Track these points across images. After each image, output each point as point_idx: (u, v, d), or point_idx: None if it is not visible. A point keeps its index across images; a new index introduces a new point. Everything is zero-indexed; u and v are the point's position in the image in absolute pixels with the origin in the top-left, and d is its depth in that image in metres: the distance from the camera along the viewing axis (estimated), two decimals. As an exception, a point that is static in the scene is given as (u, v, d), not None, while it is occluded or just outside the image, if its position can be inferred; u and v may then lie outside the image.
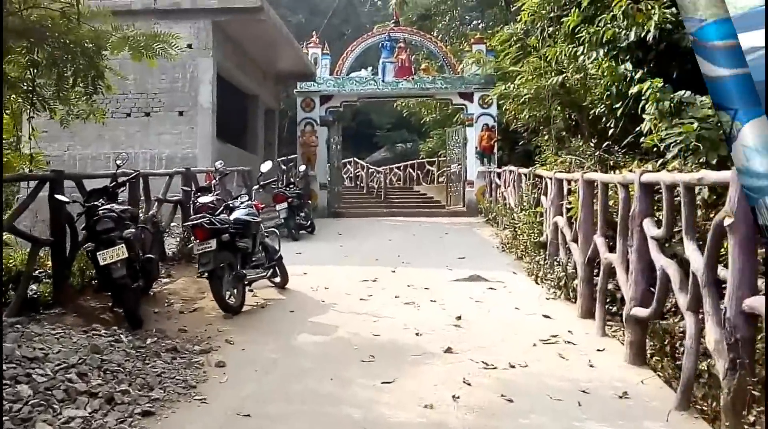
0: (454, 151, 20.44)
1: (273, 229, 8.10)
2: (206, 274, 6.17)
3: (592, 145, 9.86)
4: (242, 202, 7.35)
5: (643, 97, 6.14)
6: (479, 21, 23.90)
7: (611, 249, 5.62)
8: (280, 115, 25.27)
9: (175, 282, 7.76)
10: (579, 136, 10.86)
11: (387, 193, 22.47)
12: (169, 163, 12.86)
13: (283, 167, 21.07)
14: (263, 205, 8.38)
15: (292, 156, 20.27)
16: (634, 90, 6.24)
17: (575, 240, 6.83)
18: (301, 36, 21.22)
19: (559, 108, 10.40)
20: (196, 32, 13.28)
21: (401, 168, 26.66)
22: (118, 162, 6.91)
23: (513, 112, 13.87)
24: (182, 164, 12.81)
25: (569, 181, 7.36)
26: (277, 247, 7.59)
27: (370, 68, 20.48)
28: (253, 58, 16.02)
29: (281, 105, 22.99)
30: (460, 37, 23.63)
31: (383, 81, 19.60)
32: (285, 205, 12.55)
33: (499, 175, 15.83)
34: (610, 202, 6.03)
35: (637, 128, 6.52)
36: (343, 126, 38.19)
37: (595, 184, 6.21)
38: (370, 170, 23.98)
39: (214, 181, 9.68)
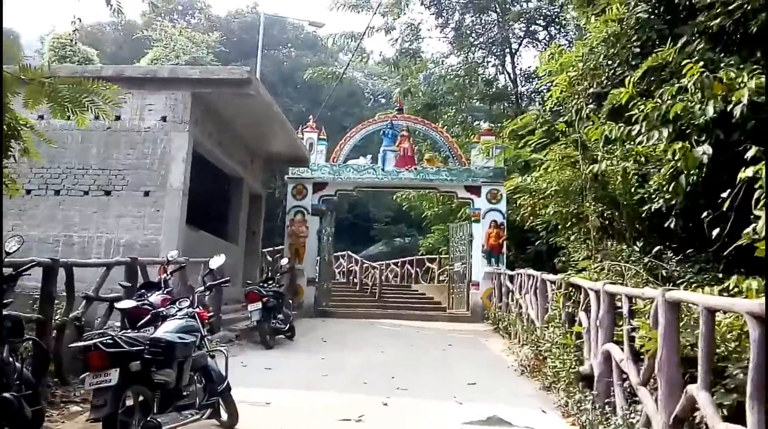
0: (458, 248, 18.57)
1: (220, 348, 5.93)
2: (101, 420, 4.07)
3: (636, 248, 7.98)
4: (180, 309, 5.35)
5: (759, 185, 4.28)
6: (487, 113, 22.68)
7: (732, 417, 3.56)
8: (272, 203, 23.66)
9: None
10: (614, 238, 9.00)
11: (382, 292, 20.38)
12: (128, 251, 10.90)
13: (269, 259, 19.18)
14: (210, 314, 6.34)
15: (280, 247, 18.39)
16: (745, 174, 4.37)
17: (645, 383, 4.78)
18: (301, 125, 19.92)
19: (593, 203, 8.56)
20: (172, 104, 11.69)
21: (399, 264, 24.70)
22: (10, 247, 4.90)
23: (530, 208, 12.09)
24: (142, 253, 10.90)
25: (631, 299, 5.36)
26: (224, 372, 5.48)
27: (369, 156, 18.99)
28: (239, 137, 14.43)
29: (273, 191, 21.53)
30: (467, 129, 22.38)
31: (383, 170, 18.04)
32: (259, 305, 10.51)
33: (511, 279, 13.84)
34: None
35: (746, 229, 4.58)
36: (339, 217, 36.65)
37: (683, 307, 4.25)
38: (365, 265, 22.01)
39: (165, 274, 7.77)
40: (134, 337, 4.33)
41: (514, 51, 22.83)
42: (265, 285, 11.60)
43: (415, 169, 18.05)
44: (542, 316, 9.68)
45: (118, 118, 11.64)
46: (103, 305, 7.42)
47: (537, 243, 17.15)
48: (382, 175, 18.01)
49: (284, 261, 12.54)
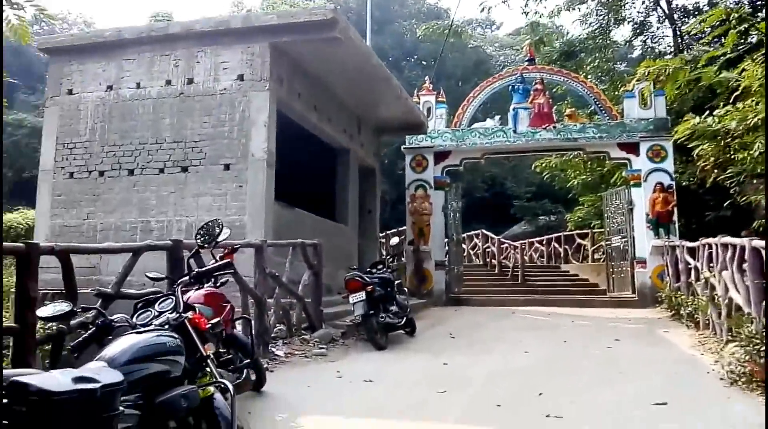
0: (615, 219, 15.30)
1: (224, 381, 3.48)
2: None
3: None
4: (157, 315, 3.15)
5: None
6: (639, 60, 18.91)
7: None
8: (396, 178, 21.54)
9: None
10: None
11: (525, 274, 17.52)
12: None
13: (393, 242, 17.06)
14: (215, 320, 3.95)
15: (403, 228, 16.15)
16: None
17: None
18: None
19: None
20: (248, 59, 9.75)
21: (543, 242, 21.57)
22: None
23: (713, 159, 8.87)
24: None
25: None
26: (230, 417, 3.13)
27: (497, 117, 16.18)
28: (339, 100, 12.28)
29: (393, 165, 19.22)
30: (614, 79, 18.77)
31: (515, 131, 15.17)
32: (361, 295, 8.24)
33: (692, 252, 10.53)
34: None
35: None
36: (475, 196, 34.09)
37: None
38: (504, 245, 19.16)
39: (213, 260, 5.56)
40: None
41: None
42: (374, 270, 9.35)
43: (554, 127, 15.00)
44: (758, 300, 6.55)
45: (190, 81, 9.99)
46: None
47: (725, 205, 13.57)
48: (514, 137, 15.15)
49: (394, 240, 10.19)
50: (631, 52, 26.36)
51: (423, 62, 36.94)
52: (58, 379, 2.06)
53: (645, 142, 14.32)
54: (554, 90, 18.81)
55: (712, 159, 8.91)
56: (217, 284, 4.85)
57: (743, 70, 6.99)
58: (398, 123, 14.39)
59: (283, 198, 10.30)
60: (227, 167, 9.58)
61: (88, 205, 9.99)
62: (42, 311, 2.77)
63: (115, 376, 2.24)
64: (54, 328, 4.52)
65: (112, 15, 67.20)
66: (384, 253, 15.98)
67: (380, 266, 9.52)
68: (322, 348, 8.04)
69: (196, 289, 4.56)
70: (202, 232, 4.85)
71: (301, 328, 8.58)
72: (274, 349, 7.49)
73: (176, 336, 2.94)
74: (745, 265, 7.17)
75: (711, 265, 9.01)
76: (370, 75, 11.33)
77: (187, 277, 4.08)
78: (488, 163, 33.93)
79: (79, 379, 2.09)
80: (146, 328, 2.93)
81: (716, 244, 8.30)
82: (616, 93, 16.79)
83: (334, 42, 9.58)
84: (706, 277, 8.71)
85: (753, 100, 6.52)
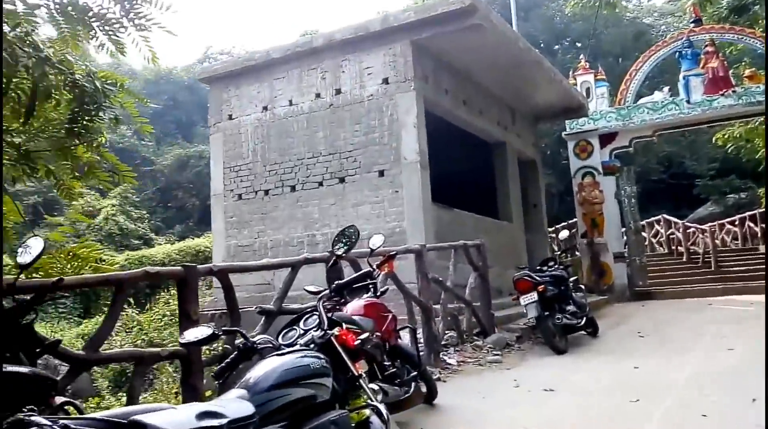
0: (826, 186, 13.12)
1: (375, 404, 3.08)
2: None
3: None
4: (303, 333, 2.92)
5: None
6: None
7: None
8: (557, 168, 20.44)
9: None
10: None
11: (718, 260, 15.62)
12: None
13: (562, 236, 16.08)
14: (364, 335, 3.49)
15: (574, 220, 15.13)
16: None
17: None
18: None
19: None
20: (391, 60, 9.58)
21: (736, 223, 19.17)
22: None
23: None
24: (386, 243, 8.92)
25: None
26: None
27: (666, 89, 14.62)
28: (488, 91, 11.71)
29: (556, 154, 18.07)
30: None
31: (689, 102, 13.61)
32: (533, 296, 7.61)
33: None
34: None
35: None
36: (651, 179, 31.46)
37: None
38: (689, 230, 17.25)
39: (374, 269, 5.23)
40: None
41: None
42: (545, 268, 8.66)
43: (734, 91, 13.25)
44: None
45: (338, 91, 10.01)
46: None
47: None
48: (688, 108, 13.60)
49: (564, 233, 9.31)
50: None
51: (577, 44, 34.96)
52: (180, 417, 1.81)
53: None
54: (729, 51, 16.72)
55: None
56: (377, 293, 4.56)
57: None
58: (555, 108, 13.52)
59: (441, 199, 9.97)
60: (381, 173, 9.44)
61: (257, 224, 10.36)
62: (184, 337, 2.61)
63: (246, 409, 1.98)
64: (220, 348, 4.49)
65: (266, 41, 71.81)
66: (555, 248, 15.05)
67: (551, 263, 8.80)
68: (497, 354, 7.54)
69: (352, 301, 4.30)
70: (339, 240, 4.45)
71: (472, 334, 8.15)
72: (445, 358, 7.13)
73: (322, 356, 2.64)
74: None
75: None
76: (518, 60, 10.68)
77: (327, 291, 3.80)
78: (662, 142, 31.45)
79: (203, 415, 1.84)
80: (290, 349, 2.67)
81: None
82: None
83: (476, 30, 9.11)
84: None
85: None
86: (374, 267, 4.97)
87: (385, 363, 4.45)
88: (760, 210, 18.71)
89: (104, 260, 7.60)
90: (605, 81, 14.81)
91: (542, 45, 31.31)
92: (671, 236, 17.87)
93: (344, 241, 4.42)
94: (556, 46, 34.07)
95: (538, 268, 8.74)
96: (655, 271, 15.56)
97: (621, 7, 20.42)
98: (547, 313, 7.68)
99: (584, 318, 8.26)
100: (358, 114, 9.76)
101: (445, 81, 10.26)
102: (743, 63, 16.07)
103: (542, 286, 7.68)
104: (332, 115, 9.91)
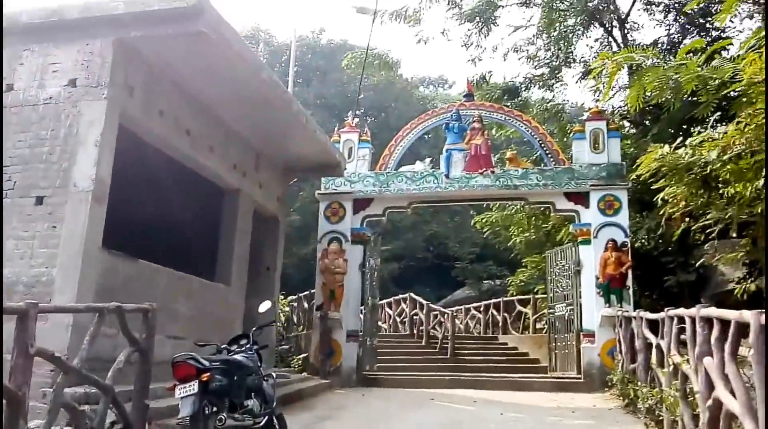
0: (560, 283, 13.19)
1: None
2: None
3: None
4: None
5: None
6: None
7: None
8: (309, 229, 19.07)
9: None
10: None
11: (456, 347, 15.08)
12: (8, 295, 6.60)
13: (305, 306, 14.55)
14: None
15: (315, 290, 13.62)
16: None
17: None
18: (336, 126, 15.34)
19: None
20: (85, 59, 7.40)
21: (481, 309, 19.24)
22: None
23: (682, 203, 6.87)
24: (27, 295, 6.50)
25: None
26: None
27: (428, 160, 14.08)
28: (227, 125, 9.94)
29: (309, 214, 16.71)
30: (562, 121, 16.99)
31: (447, 176, 13.06)
32: (192, 387, 5.62)
33: (652, 326, 8.38)
34: None
35: None
36: (417, 258, 31.82)
37: None
38: (433, 313, 16.71)
39: None
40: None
41: (623, 16, 17.11)
42: (234, 348, 6.82)
43: (493, 172, 12.95)
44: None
45: (10, 87, 7.54)
46: None
47: (689, 269, 11.70)
48: (446, 183, 13.03)
49: (265, 305, 7.55)
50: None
51: (369, 114, 35.32)
52: None
53: (596, 192, 12.37)
54: (497, 135, 16.99)
55: (682, 204, 6.88)
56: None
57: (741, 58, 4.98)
58: (310, 162, 12.09)
59: (133, 249, 7.80)
60: (40, 201, 7.04)
61: None
62: None
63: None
64: None
65: None
66: (289, 319, 13.42)
67: (244, 341, 6.98)
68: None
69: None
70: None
71: (109, 434, 5.93)
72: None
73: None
74: (746, 351, 4.95)
75: (682, 345, 6.85)
76: (265, 96, 9.09)
77: None
78: (431, 220, 32.07)
79: None
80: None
81: (692, 318, 6.07)
82: (566, 140, 14.94)
83: (203, 40, 7.30)
84: (676, 363, 6.47)
85: (750, 114, 4.52)
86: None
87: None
88: (505, 298, 18.96)
89: None
90: (369, 142, 13.89)
91: (337, 112, 30.89)
92: (414, 317, 17.24)
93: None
94: (349, 112, 34.05)
95: (224, 347, 6.87)
96: (390, 354, 14.55)
97: (395, 65, 20.28)
98: (210, 411, 5.78)
99: (266, 417, 6.48)
100: (28, 120, 7.35)
101: (162, 100, 8.25)
102: (510, 149, 16.26)
103: (207, 374, 5.77)
104: (-9, 114, 7.36)
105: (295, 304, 15.63)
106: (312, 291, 13.87)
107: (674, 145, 7.31)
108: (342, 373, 12.19)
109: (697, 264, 11.74)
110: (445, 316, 15.78)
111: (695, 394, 5.89)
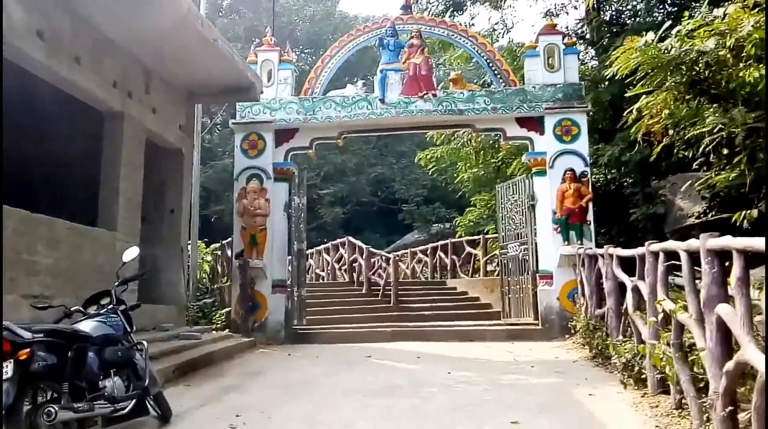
0: (512, 219, 11.76)
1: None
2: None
3: None
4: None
5: None
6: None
7: None
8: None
9: None
10: None
11: (399, 294, 13.63)
12: None
13: (228, 254, 12.77)
14: None
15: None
16: None
17: None
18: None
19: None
20: None
21: (428, 252, 17.85)
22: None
23: (660, 111, 5.36)
24: None
25: None
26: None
27: (360, 83, 12.28)
28: (103, 33, 7.90)
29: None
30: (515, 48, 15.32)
31: (383, 101, 11.29)
32: (6, 368, 3.91)
33: (625, 264, 7.01)
34: None
35: None
36: (361, 200, 30.14)
37: None
38: (375, 258, 15.17)
39: None
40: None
41: None
42: (89, 309, 5.08)
43: (434, 95, 11.25)
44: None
45: None
46: None
47: (654, 202, 10.40)
48: (382, 108, 11.28)
49: (130, 253, 5.73)
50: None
51: (305, 50, 32.95)
52: None
53: (552, 116, 10.88)
54: (440, 60, 15.22)
55: (665, 112, 5.36)
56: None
57: None
58: (217, 84, 10.15)
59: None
60: None
61: None
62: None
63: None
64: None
65: None
66: (207, 271, 11.64)
67: (106, 300, 5.22)
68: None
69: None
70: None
71: None
72: None
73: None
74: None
75: (672, 288, 5.44)
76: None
77: None
78: (375, 162, 30.30)
79: None
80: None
81: (690, 252, 4.57)
82: (517, 63, 13.26)
83: None
84: (668, 311, 5.00)
85: None
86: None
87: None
88: (454, 240, 17.57)
89: None
90: (292, 63, 11.97)
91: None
92: (354, 263, 15.67)
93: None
94: (267, 28, 32.08)
95: (76, 309, 5.10)
96: (326, 304, 13.02)
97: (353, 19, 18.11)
98: (45, 400, 4.10)
99: (135, 399, 4.80)
100: None
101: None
102: (456, 71, 14.43)
103: (26, 350, 4.01)
104: None
105: (219, 253, 13.86)
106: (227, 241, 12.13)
107: (659, 33, 5.77)
108: (268, 328, 10.60)
109: (662, 196, 10.50)
110: (389, 262, 14.24)
111: (696, 352, 4.49)
